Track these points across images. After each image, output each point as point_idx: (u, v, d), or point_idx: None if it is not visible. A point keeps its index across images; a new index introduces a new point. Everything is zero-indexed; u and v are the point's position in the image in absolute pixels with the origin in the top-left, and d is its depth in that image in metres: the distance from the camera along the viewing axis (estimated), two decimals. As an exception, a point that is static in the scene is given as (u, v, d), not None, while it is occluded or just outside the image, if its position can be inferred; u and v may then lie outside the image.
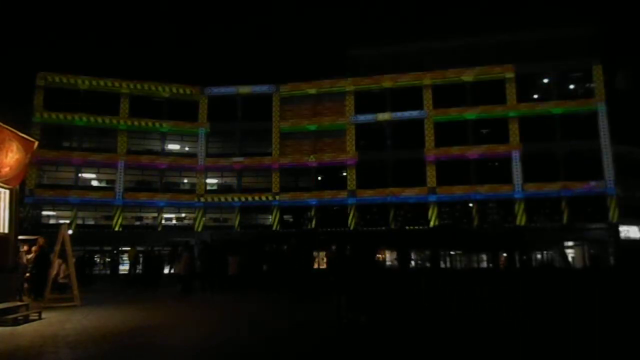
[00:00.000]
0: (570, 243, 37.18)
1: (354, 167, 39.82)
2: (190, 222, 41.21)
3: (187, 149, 42.48)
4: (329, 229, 37.72)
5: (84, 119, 39.50)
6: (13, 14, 75.43)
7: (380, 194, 38.58)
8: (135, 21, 76.99)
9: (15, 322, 10.28)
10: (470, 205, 37.87)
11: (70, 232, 17.61)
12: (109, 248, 37.80)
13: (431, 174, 38.26)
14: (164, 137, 41.77)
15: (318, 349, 8.17)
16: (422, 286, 10.79)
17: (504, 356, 7.47)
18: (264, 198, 40.58)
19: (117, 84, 40.67)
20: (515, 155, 37.40)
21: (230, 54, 75.68)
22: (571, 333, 8.44)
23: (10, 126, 11.65)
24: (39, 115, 38.49)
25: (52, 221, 38.02)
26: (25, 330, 9.82)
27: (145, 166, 40.68)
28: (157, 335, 9.52)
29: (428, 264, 31.81)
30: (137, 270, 24.72)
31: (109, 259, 37.75)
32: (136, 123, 40.65)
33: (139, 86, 41.09)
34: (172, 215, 41.76)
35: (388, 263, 34.66)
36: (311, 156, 40.61)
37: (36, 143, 13.13)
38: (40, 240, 14.28)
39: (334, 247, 13.68)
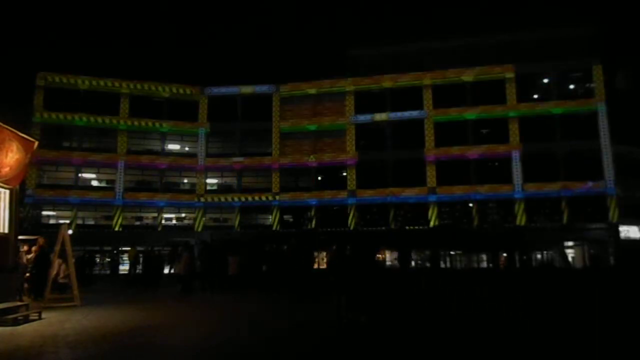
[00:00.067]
0: (570, 243, 37.18)
1: (354, 167, 39.82)
2: (190, 222, 41.21)
3: (187, 149, 42.48)
4: (329, 229, 37.73)
5: (84, 119, 39.50)
6: (13, 14, 75.48)
7: (380, 194, 38.58)
8: (135, 21, 77.04)
9: (15, 322, 10.28)
10: (470, 205, 37.87)
11: (70, 232, 17.61)
12: (109, 248, 37.78)
13: (431, 174, 38.26)
14: (164, 137, 41.77)
15: (318, 349, 8.17)
16: (422, 286, 10.80)
17: (504, 356, 7.47)
18: (264, 198, 40.59)
19: (117, 84, 40.68)
20: (515, 155, 37.40)
21: (230, 54, 75.74)
22: (571, 333, 8.44)
23: (10, 126, 11.65)
24: (39, 115, 38.49)
25: (52, 221, 38.02)
26: (25, 330, 9.82)
27: (145, 166, 40.68)
28: (157, 335, 9.52)
29: (428, 264, 31.81)
30: (137, 270, 24.72)
31: (109, 259, 37.71)
32: (136, 123, 40.65)
33: (139, 86, 41.10)
34: (172, 215, 41.76)
35: (388, 263, 34.66)
36: (311, 156, 40.61)
37: (36, 143, 13.13)
38: (40, 240, 14.27)
39: (334, 247, 13.67)
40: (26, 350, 7.85)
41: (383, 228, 37.86)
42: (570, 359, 7.35)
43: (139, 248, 26.63)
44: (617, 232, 35.13)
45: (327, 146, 40.80)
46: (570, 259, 35.94)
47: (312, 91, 41.56)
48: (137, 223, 40.59)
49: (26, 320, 10.79)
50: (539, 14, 61.19)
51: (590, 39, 37.17)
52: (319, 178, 40.85)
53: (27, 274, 13.98)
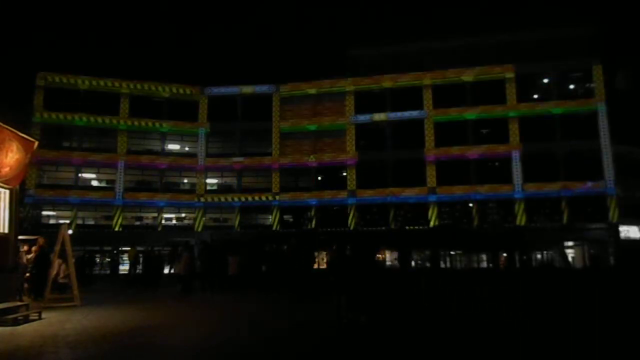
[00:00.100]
0: (570, 243, 37.18)
1: (354, 167, 39.82)
2: (190, 222, 41.21)
3: (187, 149, 42.48)
4: (329, 229, 37.73)
5: (84, 119, 39.50)
6: (13, 14, 75.47)
7: (380, 194, 38.58)
8: (135, 21, 77.03)
9: (15, 322, 10.28)
10: (470, 205, 37.87)
11: (70, 232, 17.61)
12: (109, 248, 37.79)
13: (431, 174, 38.26)
14: (164, 137, 41.78)
15: (318, 349, 8.17)
16: (422, 286, 10.80)
17: (504, 356, 7.46)
18: (264, 198, 40.59)
19: (117, 84, 40.68)
20: (515, 155, 37.40)
21: (230, 54, 75.74)
22: (571, 333, 8.44)
23: (10, 126, 11.65)
24: (39, 115, 38.49)
25: (52, 221, 38.01)
26: (25, 330, 9.82)
27: (145, 166, 40.68)
28: (157, 335, 9.52)
29: (428, 264, 31.83)
30: (137, 270, 24.72)
31: (109, 259, 37.72)
32: (136, 123, 40.66)
33: (139, 86, 41.10)
34: (172, 215, 41.76)
35: (388, 263, 34.66)
36: (311, 156, 40.62)
37: (36, 143, 13.13)
38: (40, 240, 14.27)
39: (334, 247, 13.68)
40: (26, 350, 7.85)
41: (383, 228, 37.86)
42: (570, 359, 7.35)
43: (139, 248, 26.61)
44: (617, 232, 35.13)
45: (327, 146, 40.80)
46: (570, 259, 35.94)
47: (312, 91, 41.56)
48: (137, 223, 40.59)
49: (26, 320, 10.79)
50: (539, 14, 61.23)
51: (590, 39, 37.17)
52: (319, 178, 40.85)
53: (27, 274, 13.98)
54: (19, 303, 11.65)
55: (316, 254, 25.41)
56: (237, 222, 40.51)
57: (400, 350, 7.82)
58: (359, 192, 39.18)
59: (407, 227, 37.08)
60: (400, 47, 40.18)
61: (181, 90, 41.95)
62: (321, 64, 62.94)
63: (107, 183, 40.29)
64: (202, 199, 40.91)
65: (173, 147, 42.47)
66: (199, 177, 41.33)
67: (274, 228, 39.80)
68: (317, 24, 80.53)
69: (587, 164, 35.82)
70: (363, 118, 40.22)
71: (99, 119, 39.90)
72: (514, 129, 37.79)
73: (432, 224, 37.41)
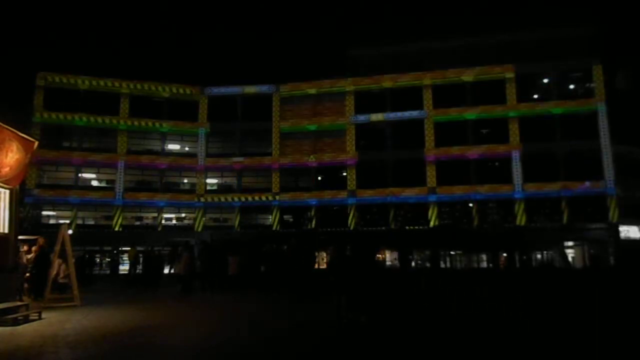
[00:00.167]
0: (570, 243, 37.18)
1: (354, 167, 39.82)
2: (190, 222, 41.21)
3: (187, 149, 42.48)
4: (329, 229, 37.73)
5: (84, 119, 39.50)
6: (13, 14, 75.48)
7: (380, 194, 38.58)
8: (135, 21, 77.04)
9: (15, 322, 10.27)
10: (470, 205, 37.87)
11: (70, 232, 17.61)
12: (109, 248, 37.78)
13: (431, 174, 38.26)
14: (164, 137, 41.78)
15: (318, 349, 8.17)
16: (422, 286, 10.81)
17: (504, 356, 7.46)
18: (264, 198, 40.59)
19: (117, 84, 40.67)
20: (515, 155, 37.40)
21: (230, 54, 75.75)
22: (571, 333, 8.45)
23: (10, 126, 11.65)
24: (39, 115, 38.49)
25: (52, 221, 38.01)
26: (25, 330, 9.81)
27: (145, 166, 40.68)
28: (157, 335, 9.52)
29: (428, 264, 31.84)
30: (137, 270, 24.71)
31: (109, 259, 37.72)
32: (136, 123, 40.65)
33: (139, 86, 41.10)
34: (172, 215, 41.76)
35: (388, 263, 34.68)
36: (311, 156, 40.61)
37: (36, 143, 13.12)
38: (40, 240, 14.26)
39: (333, 247, 13.67)
40: (26, 350, 7.85)
41: (383, 228, 37.86)
42: (570, 359, 7.35)
43: (139, 248, 26.61)
44: (617, 232, 35.13)
45: (327, 146, 40.80)
46: (570, 259, 35.95)
47: (312, 91, 41.56)
48: (137, 223, 40.59)
49: (26, 320, 10.78)
50: (539, 14, 61.22)
51: (590, 39, 37.17)
52: (319, 178, 40.85)
53: (27, 274, 13.97)
54: (19, 303, 11.65)
55: (316, 254, 25.41)
56: (237, 222, 40.52)
57: (400, 350, 7.82)
58: (359, 192, 39.18)
59: (407, 227, 37.08)
60: (400, 47, 40.17)
61: (181, 90, 41.95)
62: (321, 64, 63.02)
63: (107, 183, 40.29)
64: (202, 199, 40.91)
65: (173, 147, 42.47)
66: (199, 177, 41.33)
67: (274, 228, 39.80)
68: (317, 24, 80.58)
69: (587, 164, 35.82)
70: (363, 118, 40.21)
71: (99, 119, 39.90)
72: (514, 129, 37.79)
73: (432, 224, 37.41)
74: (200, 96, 42.33)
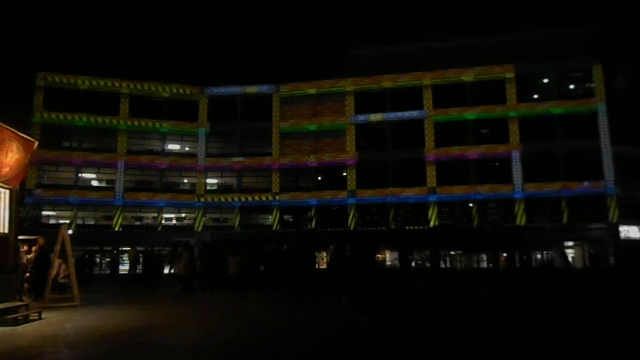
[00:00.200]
0: (570, 243, 37.18)
1: (354, 167, 39.82)
2: (190, 222, 41.21)
3: (187, 149, 42.48)
4: (329, 229, 37.72)
5: (84, 119, 39.50)
6: (13, 14, 75.48)
7: (380, 194, 38.58)
8: (135, 21, 77.04)
9: (15, 322, 10.28)
10: (470, 205, 37.87)
11: (70, 232, 17.61)
12: (109, 248, 37.77)
13: (431, 174, 38.26)
14: (164, 137, 41.78)
15: (318, 349, 8.17)
16: (422, 286, 10.81)
17: (504, 356, 7.46)
18: (264, 198, 40.59)
19: (117, 84, 40.68)
20: (515, 155, 37.40)
21: (230, 54, 75.76)
22: (571, 333, 8.45)
23: (10, 126, 11.65)
24: (39, 115, 38.49)
25: (52, 221, 38.01)
26: (25, 330, 9.82)
27: (145, 166, 40.68)
28: (157, 335, 9.52)
29: (428, 264, 31.85)
30: (137, 270, 24.71)
31: (109, 259, 37.72)
32: (136, 123, 40.65)
33: (139, 86, 41.10)
34: (172, 215, 41.76)
35: (388, 263, 34.67)
36: (311, 156, 40.61)
37: (36, 143, 13.12)
38: (40, 240, 14.26)
39: (333, 247, 13.68)
40: (26, 350, 7.85)
41: (383, 228, 37.85)
42: (570, 359, 7.35)
43: (139, 248, 26.61)
44: (617, 232, 35.13)
45: (327, 146, 40.80)
46: (570, 259, 35.94)
47: (312, 91, 41.56)
48: (137, 223, 40.58)
49: (26, 320, 10.79)
50: (539, 14, 61.22)
51: (590, 39, 37.17)
52: (319, 178, 40.84)
53: (27, 274, 13.97)
54: (19, 303, 11.65)
55: (316, 254, 25.42)
56: (237, 222, 40.52)
57: (400, 350, 7.81)
58: (359, 192, 39.18)
59: (407, 227, 37.08)
60: (400, 47, 40.17)
61: (181, 90, 41.95)
62: (321, 64, 63.01)
63: (107, 183, 40.29)
64: (202, 199, 40.91)
65: (173, 147, 42.48)
66: (199, 177, 41.33)
67: (274, 228, 39.80)
68: (317, 24, 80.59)
69: (587, 164, 35.82)
70: (363, 118, 40.21)
71: (99, 119, 39.90)
72: (514, 129, 37.80)
73: (432, 224, 37.41)
74: (200, 96, 42.33)
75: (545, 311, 9.70)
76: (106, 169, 40.05)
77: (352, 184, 39.52)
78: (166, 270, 22.94)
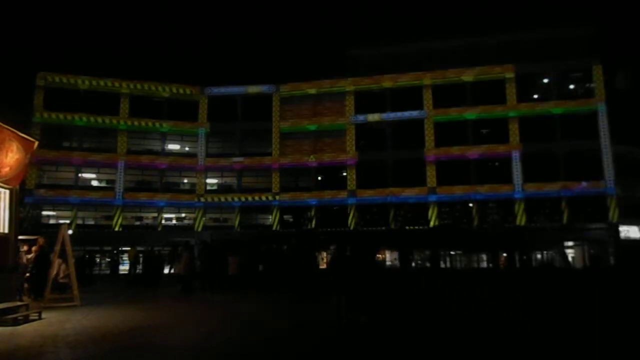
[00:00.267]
0: (570, 243, 37.18)
1: (354, 167, 39.82)
2: (190, 222, 41.22)
3: (187, 149, 42.48)
4: (329, 229, 37.73)
5: (84, 119, 39.50)
6: (13, 14, 75.48)
7: (380, 194, 38.58)
8: (136, 21, 77.04)
9: (15, 322, 10.28)
10: (470, 205, 37.87)
11: (70, 232, 17.61)
12: (109, 248, 37.76)
13: (431, 174, 38.26)
14: (164, 137, 41.78)
15: (318, 349, 8.17)
16: (422, 286, 10.82)
17: (504, 356, 7.46)
18: (264, 198, 40.59)
19: (117, 84, 40.68)
20: (515, 155, 37.40)
21: (230, 54, 75.75)
22: (571, 333, 8.45)
23: (10, 126, 11.65)
24: (39, 115, 38.49)
25: (52, 221, 38.01)
26: (25, 330, 9.82)
27: (145, 166, 40.68)
28: (157, 335, 9.52)
29: (428, 264, 31.83)
30: (137, 270, 24.67)
31: (109, 259, 37.69)
32: (136, 123, 40.66)
33: (139, 86, 41.10)
34: (172, 215, 41.76)
35: (388, 263, 34.67)
36: (311, 156, 40.62)
37: (36, 143, 13.12)
38: (40, 240, 14.26)
39: (333, 247, 13.69)
40: (26, 350, 7.85)
41: (383, 228, 37.86)
42: (570, 359, 7.35)
43: (139, 248, 26.57)
44: (617, 232, 35.14)
45: (327, 146, 40.81)
46: (570, 259, 35.94)
47: (312, 91, 41.56)
48: (137, 223, 40.59)
49: (26, 320, 10.78)
50: (539, 14, 61.21)
51: (590, 39, 37.18)
52: (319, 178, 40.85)
53: (27, 274, 13.96)
54: (19, 303, 11.65)
55: (316, 254, 25.39)
56: (237, 222, 40.52)
57: (400, 350, 7.81)
58: (359, 192, 39.18)
59: (407, 227, 37.08)
60: (400, 47, 40.18)
61: (181, 90, 41.95)
62: (321, 64, 63.05)
63: (107, 183, 40.30)
64: (202, 199, 40.91)
65: (173, 147, 42.48)
66: (199, 177, 41.34)
67: (274, 228, 39.80)
68: (317, 24, 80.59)
69: (587, 164, 35.83)
70: (363, 118, 40.22)
71: (99, 119, 39.90)
72: (514, 129, 37.80)
73: (432, 224, 37.41)
74: (200, 96, 42.33)
75: (545, 311, 9.71)
76: (106, 169, 40.05)
77: (352, 184, 39.52)
78: (166, 270, 22.91)
